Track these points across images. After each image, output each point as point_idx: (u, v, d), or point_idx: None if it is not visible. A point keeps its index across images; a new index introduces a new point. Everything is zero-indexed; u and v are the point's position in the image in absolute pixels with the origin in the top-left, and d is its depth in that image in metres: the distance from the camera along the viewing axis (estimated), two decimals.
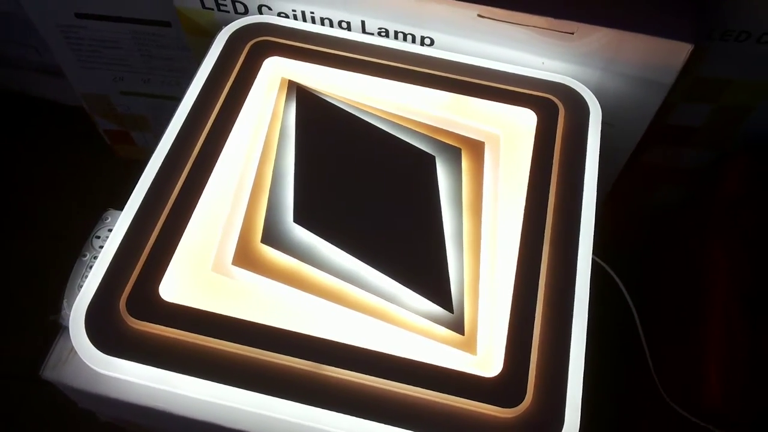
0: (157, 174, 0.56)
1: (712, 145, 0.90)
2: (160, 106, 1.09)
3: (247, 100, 0.61)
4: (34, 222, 1.19)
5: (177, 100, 1.06)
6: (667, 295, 0.81)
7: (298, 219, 0.54)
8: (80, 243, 1.17)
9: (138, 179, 0.58)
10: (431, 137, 0.61)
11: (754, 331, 0.70)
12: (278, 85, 0.64)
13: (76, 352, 0.51)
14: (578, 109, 0.64)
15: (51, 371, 0.51)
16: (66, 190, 1.23)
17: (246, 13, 0.74)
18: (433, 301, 0.52)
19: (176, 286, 0.52)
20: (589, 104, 0.64)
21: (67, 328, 0.52)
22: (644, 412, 0.80)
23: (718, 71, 0.77)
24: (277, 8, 0.72)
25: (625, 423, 0.86)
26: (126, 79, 1.04)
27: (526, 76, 0.66)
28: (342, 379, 0.48)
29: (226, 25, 0.73)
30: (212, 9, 0.75)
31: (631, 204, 1.03)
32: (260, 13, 0.73)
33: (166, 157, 0.57)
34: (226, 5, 0.73)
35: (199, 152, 0.58)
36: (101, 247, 0.54)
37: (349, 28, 0.72)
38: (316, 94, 0.63)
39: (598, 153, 0.61)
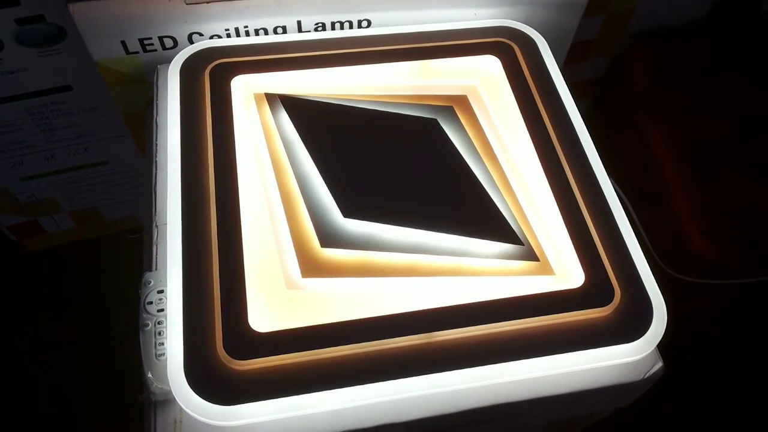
0: (184, 219, 0.54)
1: (606, 52, 1.01)
2: (69, 180, 1.01)
3: (234, 123, 0.60)
4: None
5: (88, 167, 1.00)
6: (632, 185, 0.91)
7: (348, 213, 0.55)
8: (27, 346, 1.07)
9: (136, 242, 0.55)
10: (421, 104, 0.64)
11: (713, 188, 0.81)
12: (254, 102, 0.63)
13: (182, 423, 0.49)
14: (528, 44, 0.69)
15: None
16: None
17: (175, 46, 0.71)
18: (501, 241, 0.55)
19: (262, 316, 0.50)
20: (534, 38, 0.70)
21: (161, 403, 0.49)
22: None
23: None
24: (209, 32, 0.70)
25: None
26: (26, 162, 0.95)
27: (472, 28, 0.71)
28: (455, 338, 0.50)
29: (154, 66, 0.70)
30: (137, 52, 0.71)
31: None
32: (191, 41, 0.71)
33: (183, 200, 0.55)
34: (152, 44, 0.70)
35: (216, 185, 0.56)
36: (160, 310, 0.52)
37: (285, 32, 0.72)
38: (300, 98, 0.63)
39: (561, 77, 0.67)
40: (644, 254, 0.56)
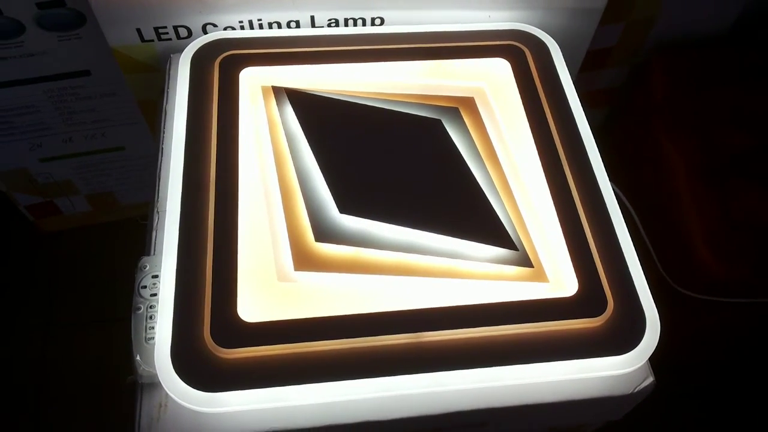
0: (183, 206, 0.55)
1: (626, 61, 0.99)
2: (86, 164, 1.03)
3: (239, 114, 0.61)
4: None
5: (104, 152, 1.02)
6: (641, 198, 0.89)
7: (344, 209, 0.55)
8: (40, 323, 1.09)
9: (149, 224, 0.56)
10: (427, 104, 0.64)
11: (724, 202, 0.79)
12: (261, 94, 0.63)
13: (167, 406, 0.49)
14: (540, 48, 0.69)
15: None
16: None
17: (189, 36, 0.72)
18: (496, 245, 0.54)
19: (251, 306, 0.51)
20: (547, 42, 0.69)
21: (148, 385, 0.50)
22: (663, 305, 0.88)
23: None
24: (223, 23, 0.71)
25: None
26: (45, 144, 0.97)
27: (485, 30, 0.70)
28: (444, 340, 0.50)
29: (168, 54, 0.71)
30: (152, 41, 0.72)
31: None
32: (205, 32, 0.72)
33: (183, 187, 0.56)
34: (167, 32, 0.71)
35: (217, 174, 0.56)
36: (153, 294, 0.52)
37: (298, 27, 0.73)
38: (306, 92, 0.63)
39: (572, 83, 0.67)
40: (649, 267, 0.55)
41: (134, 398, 0.50)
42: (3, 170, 0.99)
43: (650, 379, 0.52)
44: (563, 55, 0.69)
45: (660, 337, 0.52)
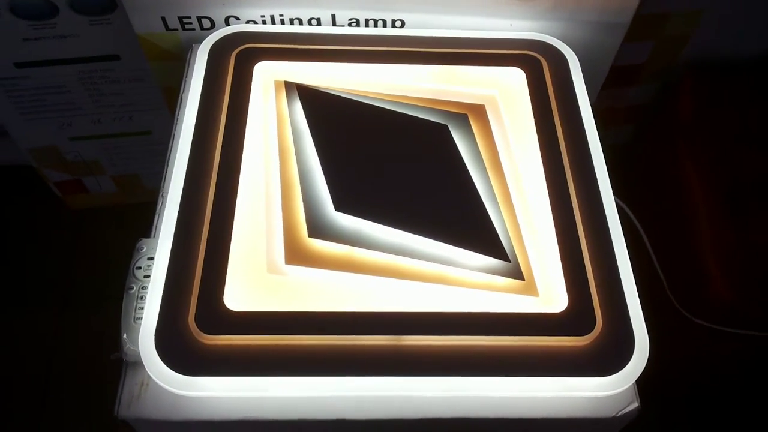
0: (184, 193, 0.56)
1: (656, 79, 0.97)
2: (113, 146, 1.06)
3: (249, 107, 0.62)
4: (10, 291, 1.13)
5: (131, 135, 1.05)
6: (659, 218, 0.87)
7: (339, 207, 0.55)
8: (58, 300, 1.12)
9: (157, 207, 0.57)
10: (436, 109, 0.64)
11: (743, 227, 0.77)
12: (274, 89, 0.64)
13: (148, 386, 0.50)
14: (558, 60, 0.68)
15: (127, 409, 0.50)
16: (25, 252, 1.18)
17: (212, 27, 0.73)
18: (488, 255, 0.54)
19: (238, 295, 0.51)
20: (566, 54, 0.69)
21: (132, 364, 0.51)
22: (668, 330, 0.86)
23: (659, 5, 0.83)
24: (245, 16, 0.72)
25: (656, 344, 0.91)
26: (75, 123, 1.00)
27: (504, 39, 0.70)
28: (422, 345, 0.50)
29: (192, 43, 0.73)
30: (176, 30, 0.74)
31: None
32: (227, 24, 0.73)
33: (187, 174, 0.57)
34: (191, 23, 0.73)
35: (220, 164, 0.57)
36: (146, 276, 0.53)
37: (319, 25, 0.74)
38: (317, 89, 0.64)
39: (587, 97, 0.66)
40: (656, 290, 0.53)
41: (119, 374, 0.51)
42: (34, 146, 1.03)
43: (635, 404, 0.51)
44: (585, 69, 0.68)
45: (651, 361, 0.51)
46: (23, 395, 1.02)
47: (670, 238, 0.85)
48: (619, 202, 0.69)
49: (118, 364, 0.52)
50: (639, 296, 0.53)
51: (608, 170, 0.60)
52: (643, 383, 0.52)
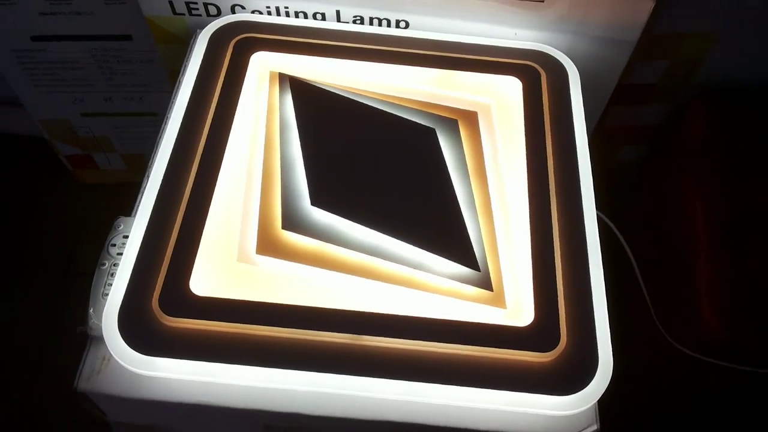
0: (165, 175, 0.56)
1: (668, 99, 0.96)
2: (123, 124, 1.08)
3: (240, 96, 0.62)
4: (13, 259, 1.15)
5: (141, 115, 1.06)
6: (656, 241, 0.86)
7: (316, 201, 0.55)
8: (59, 271, 1.13)
9: (140, 186, 0.58)
10: (426, 112, 0.63)
11: (741, 259, 0.75)
12: (268, 79, 0.65)
13: (109, 361, 0.51)
14: (558, 73, 0.67)
15: (86, 383, 0.50)
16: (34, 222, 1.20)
17: (219, 14, 0.74)
18: (459, 263, 0.54)
19: (205, 281, 0.52)
20: (567, 68, 0.68)
21: (96, 338, 0.52)
22: (650, 355, 0.84)
23: (674, 26, 0.81)
24: (251, 6, 0.73)
25: (632, 368, 0.90)
26: (86, 99, 1.02)
27: (505, 47, 0.69)
28: (382, 347, 0.49)
29: (197, 29, 0.73)
30: (183, 14, 0.75)
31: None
32: (233, 12, 0.73)
33: (171, 157, 0.57)
34: (197, 8, 0.74)
35: (204, 150, 0.58)
36: (119, 254, 0.54)
37: (323, 19, 0.74)
38: (309, 83, 0.64)
39: (583, 112, 0.65)
40: (642, 315, 0.52)
41: (83, 348, 0.52)
42: (47, 118, 1.05)
43: (594, 426, 0.50)
44: (589, 84, 0.68)
45: (618, 384, 0.50)
46: (19, 364, 1.05)
47: (665, 263, 0.83)
48: (606, 221, 0.69)
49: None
50: (615, 318, 0.52)
51: (611, 188, 0.58)
52: (608, 406, 0.51)
